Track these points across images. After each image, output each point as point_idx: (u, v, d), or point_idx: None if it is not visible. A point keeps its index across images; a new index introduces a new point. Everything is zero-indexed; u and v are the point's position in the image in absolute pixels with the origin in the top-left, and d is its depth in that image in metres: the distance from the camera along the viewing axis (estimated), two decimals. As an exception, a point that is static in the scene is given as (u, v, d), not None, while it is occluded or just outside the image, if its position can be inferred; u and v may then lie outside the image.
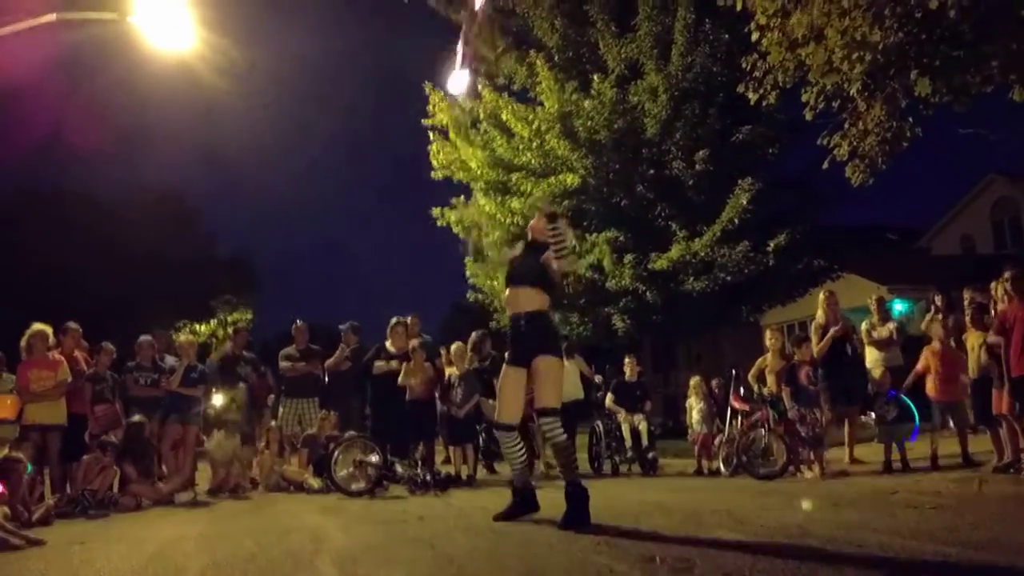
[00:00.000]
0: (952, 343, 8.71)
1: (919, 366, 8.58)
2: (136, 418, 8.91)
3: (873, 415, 8.62)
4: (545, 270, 5.43)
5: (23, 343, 8.51)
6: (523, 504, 5.51)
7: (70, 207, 29.36)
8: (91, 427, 8.92)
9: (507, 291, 5.51)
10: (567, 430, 10.91)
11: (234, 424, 9.62)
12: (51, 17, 9.92)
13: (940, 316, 9.63)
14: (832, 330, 8.82)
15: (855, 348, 9.30)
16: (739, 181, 13.49)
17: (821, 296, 9.39)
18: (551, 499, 5.74)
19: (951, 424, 8.40)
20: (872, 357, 9.93)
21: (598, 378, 11.23)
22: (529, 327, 5.37)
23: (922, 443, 9.17)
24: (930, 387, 8.44)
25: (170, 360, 10.09)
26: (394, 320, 10.11)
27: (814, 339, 9.05)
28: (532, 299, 5.40)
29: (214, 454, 9.37)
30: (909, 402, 8.52)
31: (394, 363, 9.62)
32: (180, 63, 11.77)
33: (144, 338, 9.81)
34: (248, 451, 9.78)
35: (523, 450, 5.72)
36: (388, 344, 9.97)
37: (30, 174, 30.77)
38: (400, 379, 9.42)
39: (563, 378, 5.59)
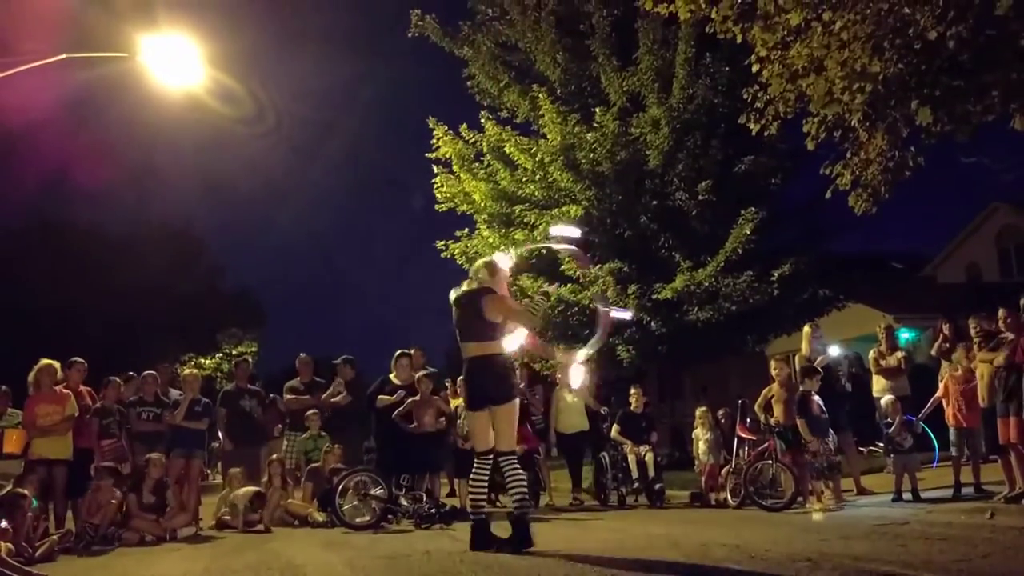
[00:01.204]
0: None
1: (940, 392, 8.55)
2: (154, 455, 8.86)
3: (882, 445, 8.55)
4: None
5: (30, 378, 8.53)
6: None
7: (77, 241, 29.51)
8: (97, 462, 8.88)
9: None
10: (572, 460, 10.92)
11: (240, 477, 9.54)
12: (60, 56, 10.07)
13: (948, 345, 9.61)
14: (820, 358, 9.16)
15: (842, 380, 9.52)
16: (742, 211, 13.50)
17: (806, 329, 9.58)
18: (558, 533, 5.71)
19: (966, 451, 8.34)
20: (880, 386, 9.89)
21: (603, 409, 11.18)
22: None
23: (931, 472, 9.11)
24: (949, 414, 8.40)
25: (174, 394, 10.08)
26: (398, 352, 10.08)
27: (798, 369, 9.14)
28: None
29: (237, 503, 9.26)
30: (928, 430, 8.47)
31: (400, 395, 9.55)
32: (188, 100, 11.96)
33: (147, 373, 9.81)
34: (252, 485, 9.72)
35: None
36: (392, 376, 9.93)
37: (38, 209, 30.90)
38: (397, 412, 9.34)
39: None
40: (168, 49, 10.27)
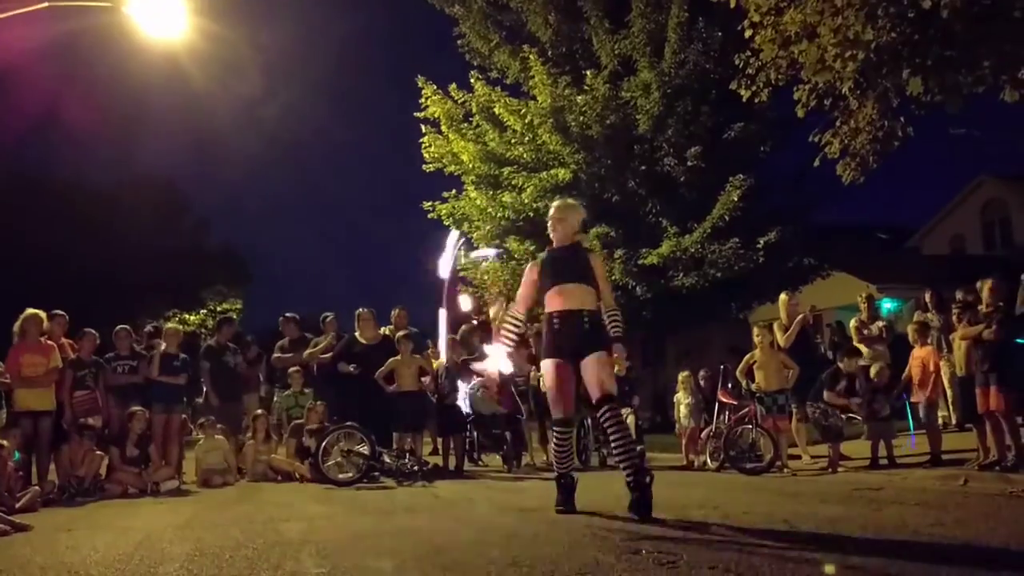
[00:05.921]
0: (942, 342, 8.81)
1: (912, 375, 8.61)
2: (137, 409, 8.86)
3: (862, 411, 8.64)
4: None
5: (16, 327, 8.45)
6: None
7: (61, 194, 29.16)
8: (67, 413, 8.78)
9: (558, 288, 5.58)
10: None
11: (212, 426, 9.56)
12: (43, 4, 9.84)
13: (928, 315, 9.70)
14: (800, 316, 9.19)
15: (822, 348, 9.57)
16: (730, 178, 13.51)
17: (783, 297, 9.64)
18: (540, 492, 5.77)
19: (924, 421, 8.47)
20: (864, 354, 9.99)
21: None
22: (593, 324, 5.67)
23: (906, 439, 9.25)
24: (916, 389, 8.52)
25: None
26: (359, 311, 10.12)
27: (778, 334, 9.17)
28: (592, 297, 5.66)
29: (206, 460, 9.29)
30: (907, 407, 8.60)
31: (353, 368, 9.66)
32: (172, 51, 11.75)
33: (119, 328, 9.76)
34: (233, 440, 9.75)
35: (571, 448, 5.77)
36: (358, 335, 9.98)
37: (20, 161, 30.43)
38: (379, 372, 9.41)
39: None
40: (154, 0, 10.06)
